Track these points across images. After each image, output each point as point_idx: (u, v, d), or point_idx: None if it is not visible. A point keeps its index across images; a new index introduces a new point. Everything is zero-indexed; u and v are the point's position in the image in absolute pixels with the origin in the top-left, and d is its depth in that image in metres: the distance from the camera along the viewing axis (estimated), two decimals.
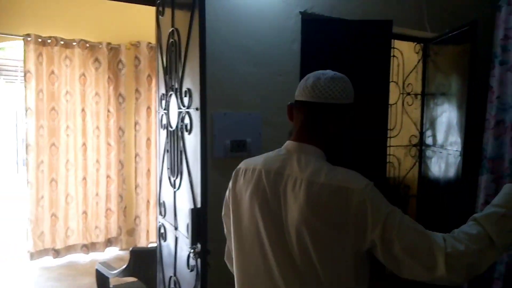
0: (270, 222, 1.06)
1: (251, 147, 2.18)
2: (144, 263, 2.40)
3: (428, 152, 2.96)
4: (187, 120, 1.62)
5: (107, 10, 4.38)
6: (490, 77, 2.38)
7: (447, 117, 2.71)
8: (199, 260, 1.56)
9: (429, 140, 2.96)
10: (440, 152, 2.77)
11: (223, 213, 1.30)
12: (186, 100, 1.62)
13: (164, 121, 1.92)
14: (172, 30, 1.75)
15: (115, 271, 2.60)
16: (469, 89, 2.43)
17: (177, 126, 1.74)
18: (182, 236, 1.73)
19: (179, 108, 1.70)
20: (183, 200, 1.72)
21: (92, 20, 4.49)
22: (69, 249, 4.43)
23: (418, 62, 3.03)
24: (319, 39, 2.39)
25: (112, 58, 4.56)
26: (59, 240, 4.36)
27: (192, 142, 1.60)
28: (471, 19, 2.42)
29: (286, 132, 2.28)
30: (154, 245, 2.36)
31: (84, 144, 4.46)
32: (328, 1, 2.37)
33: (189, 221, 1.57)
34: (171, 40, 1.77)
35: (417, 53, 3.02)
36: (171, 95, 1.80)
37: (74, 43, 4.33)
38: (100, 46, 4.46)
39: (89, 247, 4.49)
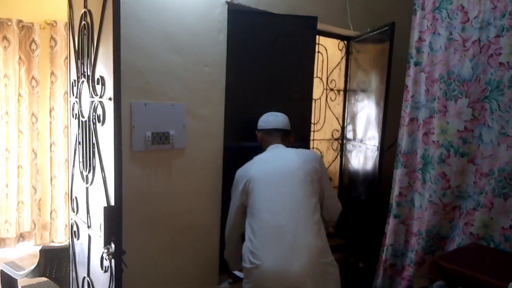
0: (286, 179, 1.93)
1: (174, 140, 2.09)
2: (56, 262, 2.23)
3: (349, 146, 3.08)
4: (99, 111, 1.50)
5: None
6: (406, 76, 2.52)
7: (366, 113, 2.84)
8: (113, 261, 1.46)
9: (349, 135, 3.08)
10: (360, 146, 2.90)
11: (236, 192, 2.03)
12: (98, 88, 1.50)
13: (76, 110, 1.76)
14: (85, 11, 1.60)
15: (24, 272, 2.39)
16: (386, 87, 2.56)
17: (89, 117, 1.61)
18: (96, 235, 1.62)
19: (91, 97, 1.57)
20: (96, 196, 1.60)
21: None
22: None
23: (341, 59, 3.13)
24: (246, 30, 2.36)
25: (23, 37, 4.16)
26: None
27: (106, 134, 1.48)
28: (391, 20, 2.53)
29: (211, 124, 2.23)
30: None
31: None
32: None
33: (102, 220, 1.46)
34: (83, 22, 1.62)
35: (340, 50, 3.11)
36: (82, 82, 1.66)
37: None
38: (9, 23, 4.04)
39: None
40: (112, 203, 1.45)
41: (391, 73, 2.52)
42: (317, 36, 2.93)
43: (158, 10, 1.97)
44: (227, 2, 2.22)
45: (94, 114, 1.55)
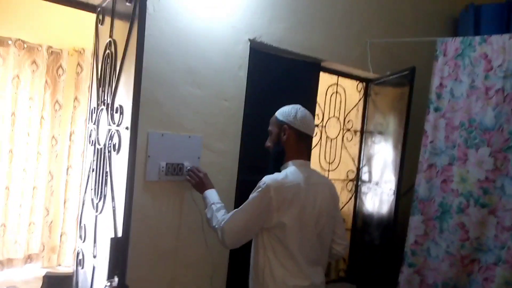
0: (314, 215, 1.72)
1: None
2: None
3: (364, 188, 3.02)
4: (116, 139, 1.50)
5: (49, 10, 4.13)
6: (425, 122, 2.49)
7: (383, 155, 2.79)
8: None
9: (365, 176, 3.03)
10: (375, 189, 2.83)
11: (257, 212, 1.66)
12: (116, 117, 1.51)
13: (93, 137, 1.78)
14: (110, 40, 1.64)
15: None
16: (405, 130, 2.52)
17: (105, 144, 1.62)
18: (100, 266, 1.59)
19: (109, 125, 1.58)
20: (105, 226, 1.58)
21: (32, 20, 4.22)
22: None
23: (359, 100, 3.12)
24: (263, 69, 2.40)
25: (51, 62, 4.31)
26: None
27: (120, 163, 1.48)
28: (411, 65, 2.53)
29: (226, 158, 2.22)
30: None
31: (11, 151, 4.12)
32: (278, 31, 2.37)
33: (108, 251, 1.43)
34: (107, 51, 1.66)
35: (359, 91, 3.11)
36: (102, 109, 1.68)
37: (10, 42, 4.04)
38: (40, 48, 4.20)
39: (4, 264, 4.10)
40: (120, 234, 1.42)
41: (409, 117, 2.49)
42: (337, 77, 2.96)
43: (182, 44, 2.02)
44: (249, 39, 2.26)
45: (110, 142, 1.56)
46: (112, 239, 1.42)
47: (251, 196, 1.67)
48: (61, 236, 4.46)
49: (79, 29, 4.37)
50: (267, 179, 1.66)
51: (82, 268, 1.83)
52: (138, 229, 1.80)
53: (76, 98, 4.45)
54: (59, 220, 4.47)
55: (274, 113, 1.85)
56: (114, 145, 1.52)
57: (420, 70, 2.52)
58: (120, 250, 1.42)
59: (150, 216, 1.99)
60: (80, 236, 1.87)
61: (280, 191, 1.63)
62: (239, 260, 2.38)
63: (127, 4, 1.48)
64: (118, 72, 1.53)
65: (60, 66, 4.32)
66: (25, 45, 4.10)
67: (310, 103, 2.61)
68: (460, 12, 3.27)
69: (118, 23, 1.61)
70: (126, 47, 1.49)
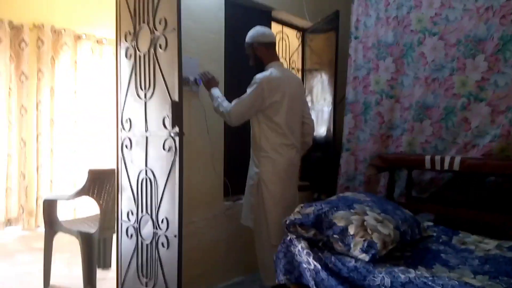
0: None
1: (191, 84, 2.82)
2: (98, 182, 2.77)
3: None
4: (162, 41, 2.23)
5: None
6: (349, 47, 3.52)
7: (320, 84, 3.78)
8: (176, 138, 2.15)
9: (309, 100, 3.99)
10: (317, 107, 3.81)
11: (254, 98, 2.52)
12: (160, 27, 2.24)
13: (131, 51, 2.46)
14: None
15: (69, 194, 2.89)
16: (336, 57, 3.51)
17: (149, 49, 2.32)
18: (154, 136, 2.29)
19: (152, 33, 2.29)
20: (154, 108, 2.29)
21: None
22: None
23: (298, 46, 4.09)
24: (234, 14, 3.24)
25: (14, 36, 4.62)
26: None
27: (168, 61, 2.20)
28: (335, 9, 3.53)
29: (215, 74, 2.98)
30: None
31: None
32: None
33: (168, 112, 2.16)
34: None
35: (298, 39, 4.07)
36: (142, 28, 2.38)
37: None
38: (1, 23, 4.50)
39: None
40: (176, 99, 2.15)
41: (339, 45, 3.49)
42: (281, 26, 3.88)
43: None
44: None
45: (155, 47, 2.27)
46: (172, 102, 2.14)
47: (249, 89, 2.54)
48: (36, 200, 4.79)
49: (37, 3, 4.74)
50: (258, 76, 2.54)
51: (130, 150, 2.49)
52: None
53: (39, 70, 4.81)
54: (33, 184, 4.79)
55: (244, 44, 2.72)
56: (160, 45, 2.24)
57: (342, 13, 3.54)
58: (177, 109, 2.15)
59: None
60: (123, 127, 2.52)
61: (269, 82, 2.51)
62: (232, 149, 3.21)
63: None
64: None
65: (23, 39, 4.65)
66: None
67: None
68: None
69: None
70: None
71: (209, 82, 2.72)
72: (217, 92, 2.68)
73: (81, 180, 4.82)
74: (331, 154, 3.62)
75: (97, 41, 5.22)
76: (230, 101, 2.58)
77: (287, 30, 3.95)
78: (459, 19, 2.87)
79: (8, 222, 4.67)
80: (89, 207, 4.21)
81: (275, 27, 3.83)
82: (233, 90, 3.05)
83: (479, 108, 2.77)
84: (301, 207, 2.04)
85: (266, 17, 3.56)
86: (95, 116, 5.17)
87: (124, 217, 2.53)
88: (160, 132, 2.26)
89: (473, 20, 2.80)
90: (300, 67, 4.10)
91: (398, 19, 3.23)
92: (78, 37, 5.07)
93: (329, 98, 3.61)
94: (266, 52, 2.65)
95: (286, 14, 3.65)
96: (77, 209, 4.95)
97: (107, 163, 4.59)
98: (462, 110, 2.85)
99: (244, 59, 2.82)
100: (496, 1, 2.72)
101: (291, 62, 4.07)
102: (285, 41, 3.98)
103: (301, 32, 4.05)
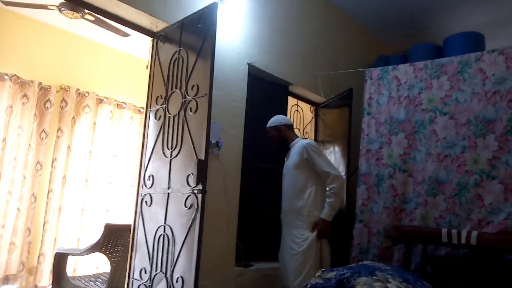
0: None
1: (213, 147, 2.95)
2: (113, 238, 2.76)
3: None
4: (193, 105, 2.38)
5: (41, 49, 4.80)
6: (362, 122, 3.69)
7: (333, 154, 3.90)
8: (199, 196, 2.20)
9: None
10: None
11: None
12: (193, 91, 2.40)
13: (160, 113, 2.61)
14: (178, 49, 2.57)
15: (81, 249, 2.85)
16: (349, 131, 3.67)
17: (179, 112, 2.46)
18: (176, 191, 2.35)
19: (184, 98, 2.45)
20: (178, 166, 2.37)
21: (26, 58, 4.82)
22: None
23: (312, 118, 4.28)
24: (255, 84, 3.46)
25: (40, 96, 4.86)
26: None
27: (197, 123, 2.33)
28: (349, 87, 3.76)
29: (235, 140, 3.12)
30: None
31: None
32: (264, 60, 3.47)
33: (193, 171, 2.24)
34: (175, 56, 2.58)
35: (311, 112, 4.27)
36: (174, 92, 2.54)
37: (6, 77, 4.57)
38: (31, 84, 4.76)
39: None
40: (202, 157, 2.24)
41: (351, 121, 3.66)
42: (297, 100, 4.11)
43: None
44: (248, 63, 3.31)
45: (185, 107, 2.42)
46: (198, 160, 2.23)
47: (319, 154, 2.87)
48: (38, 257, 4.68)
49: (66, 68, 5.06)
50: (311, 143, 2.93)
51: (149, 206, 2.52)
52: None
53: (59, 129, 4.98)
54: (38, 241, 4.72)
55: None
56: (190, 109, 2.39)
57: (354, 90, 3.76)
58: (203, 167, 2.23)
59: None
60: (145, 184, 2.58)
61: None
62: (247, 212, 3.23)
63: (199, 25, 2.46)
64: (192, 67, 2.45)
65: (49, 99, 4.89)
66: (19, 81, 4.66)
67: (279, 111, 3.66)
68: (375, 61, 4.74)
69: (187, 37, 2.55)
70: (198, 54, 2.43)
71: (323, 234, 2.85)
72: (330, 212, 2.83)
73: (86, 239, 4.80)
74: (343, 225, 3.61)
75: (117, 105, 5.47)
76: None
77: (301, 103, 4.17)
78: (468, 101, 3.06)
79: (6, 280, 4.53)
80: (91, 264, 4.10)
81: (291, 101, 4.06)
82: (248, 154, 3.17)
83: (492, 185, 2.85)
84: (322, 271, 2.03)
85: (284, 91, 3.79)
86: (107, 177, 5.24)
87: (136, 275, 2.49)
88: (183, 189, 2.32)
89: (482, 102, 2.99)
90: (313, 137, 4.24)
91: (409, 98, 3.43)
92: (100, 100, 5.32)
93: (342, 169, 3.69)
94: (289, 132, 3.05)
95: (302, 89, 3.88)
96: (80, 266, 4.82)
97: (115, 221, 4.56)
98: (475, 187, 2.91)
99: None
100: (503, 86, 2.92)
101: (304, 133, 4.23)
102: (299, 113, 4.17)
103: (314, 106, 4.26)
